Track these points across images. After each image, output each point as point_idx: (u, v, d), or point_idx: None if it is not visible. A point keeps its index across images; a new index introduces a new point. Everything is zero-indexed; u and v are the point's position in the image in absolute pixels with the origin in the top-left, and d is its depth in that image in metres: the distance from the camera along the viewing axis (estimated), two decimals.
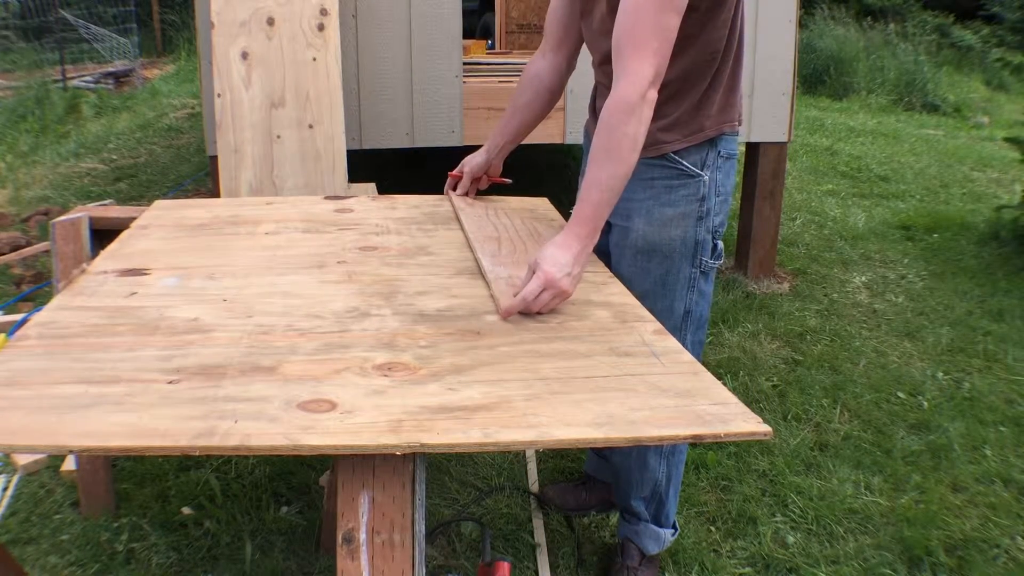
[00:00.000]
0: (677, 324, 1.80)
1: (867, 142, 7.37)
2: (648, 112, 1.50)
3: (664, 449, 1.92)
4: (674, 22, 1.50)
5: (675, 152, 1.73)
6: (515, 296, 1.41)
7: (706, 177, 1.75)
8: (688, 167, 1.74)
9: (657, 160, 1.74)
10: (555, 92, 1.94)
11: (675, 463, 1.96)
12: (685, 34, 1.57)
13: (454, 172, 2.06)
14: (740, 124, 1.80)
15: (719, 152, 1.75)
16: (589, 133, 1.93)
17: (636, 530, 2.02)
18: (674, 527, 2.05)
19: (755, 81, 3.62)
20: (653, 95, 1.50)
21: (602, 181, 1.49)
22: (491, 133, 2.00)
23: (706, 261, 1.79)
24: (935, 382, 3.05)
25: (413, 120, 3.42)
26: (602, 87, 1.84)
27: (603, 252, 1.85)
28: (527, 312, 1.41)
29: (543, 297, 1.40)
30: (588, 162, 1.52)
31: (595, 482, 2.27)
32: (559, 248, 1.45)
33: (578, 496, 2.27)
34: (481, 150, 2.01)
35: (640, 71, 1.49)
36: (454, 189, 2.06)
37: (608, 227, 1.82)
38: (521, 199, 2.12)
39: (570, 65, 1.92)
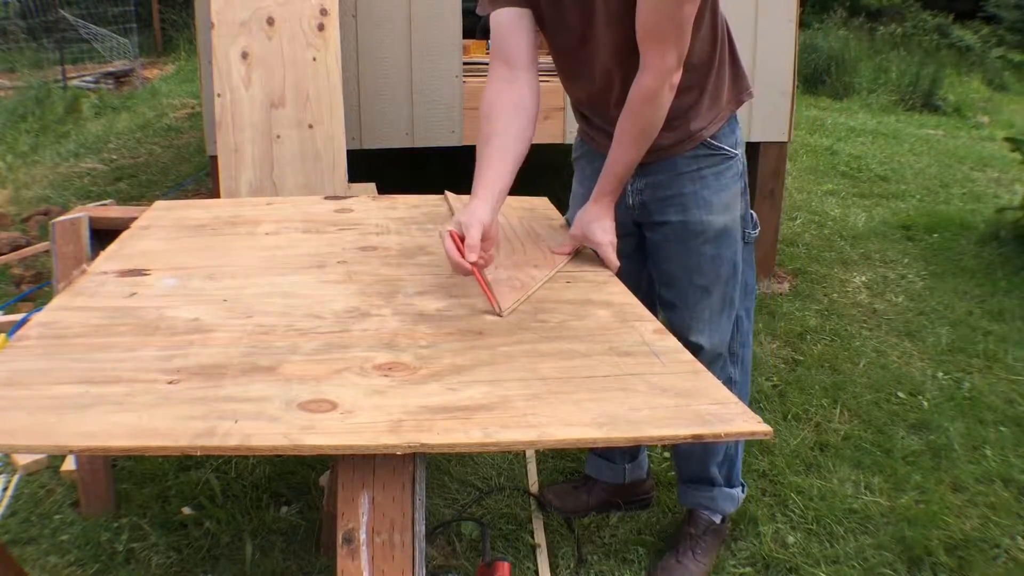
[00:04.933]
0: (742, 297, 1.93)
1: (867, 142, 7.36)
2: (670, 95, 1.63)
3: None
4: (691, 11, 1.57)
5: (712, 137, 1.79)
6: (612, 260, 1.69)
7: (740, 154, 1.84)
8: (728, 149, 1.81)
9: (702, 148, 1.79)
10: (536, 115, 1.72)
11: None
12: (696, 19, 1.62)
13: (458, 238, 1.48)
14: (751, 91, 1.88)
15: (738, 124, 1.85)
16: (584, 141, 1.97)
17: (711, 496, 2.08)
18: (742, 484, 2.14)
19: (755, 81, 3.59)
20: (676, 78, 1.63)
21: (627, 162, 1.70)
22: (482, 182, 1.57)
23: (749, 232, 1.90)
24: (935, 382, 3.05)
25: (413, 120, 3.42)
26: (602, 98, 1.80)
27: (643, 251, 1.93)
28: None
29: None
30: (614, 144, 1.70)
31: (595, 483, 2.27)
32: (602, 219, 1.72)
33: (578, 498, 2.26)
34: (482, 206, 1.51)
35: (662, 64, 1.59)
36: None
37: (646, 228, 1.90)
38: (520, 199, 2.12)
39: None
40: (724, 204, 1.83)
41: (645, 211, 1.87)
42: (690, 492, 2.11)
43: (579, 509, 2.25)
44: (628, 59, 1.67)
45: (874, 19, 11.96)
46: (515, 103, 1.65)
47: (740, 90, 1.83)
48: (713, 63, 1.75)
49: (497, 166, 1.58)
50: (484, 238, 1.46)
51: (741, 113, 1.87)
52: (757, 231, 1.93)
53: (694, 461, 2.08)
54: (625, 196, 1.89)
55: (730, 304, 1.90)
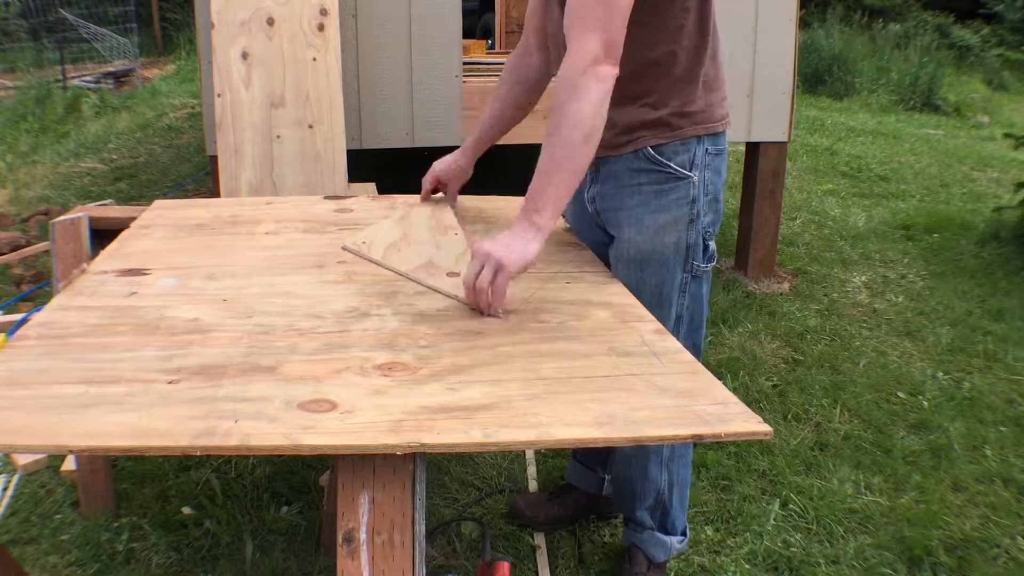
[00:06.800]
0: (669, 331, 1.75)
1: (867, 142, 7.37)
2: (597, 87, 1.43)
3: (663, 456, 1.88)
4: None
5: (655, 148, 1.65)
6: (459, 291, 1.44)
7: (695, 177, 1.68)
8: (676, 169, 1.67)
9: (644, 162, 1.67)
10: (541, 91, 1.91)
11: (676, 469, 1.91)
12: (639, 20, 1.50)
13: (430, 181, 1.94)
14: (727, 121, 1.72)
15: (706, 149, 1.69)
16: None
17: (641, 538, 1.97)
18: (683, 534, 2.00)
19: (755, 81, 3.61)
20: (606, 70, 1.44)
21: (542, 169, 1.46)
22: (476, 135, 1.91)
23: (698, 265, 1.74)
24: (935, 382, 3.05)
25: (413, 120, 3.42)
26: None
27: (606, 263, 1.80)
28: (477, 299, 1.38)
29: (484, 275, 1.37)
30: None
31: (572, 492, 2.21)
32: (506, 234, 1.45)
33: (549, 510, 2.19)
34: (460, 156, 1.92)
35: (582, 47, 1.43)
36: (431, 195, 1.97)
37: (609, 238, 1.79)
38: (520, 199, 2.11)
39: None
40: (658, 226, 1.68)
41: (601, 220, 1.78)
42: (627, 530, 2.02)
43: (550, 522, 2.19)
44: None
45: (874, 19, 11.95)
46: (520, 75, 1.88)
47: (704, 120, 1.66)
48: (672, 74, 1.62)
49: (487, 128, 1.90)
50: (458, 183, 1.94)
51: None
52: (711, 264, 1.76)
53: (622, 502, 2.00)
54: (587, 202, 1.82)
55: None
